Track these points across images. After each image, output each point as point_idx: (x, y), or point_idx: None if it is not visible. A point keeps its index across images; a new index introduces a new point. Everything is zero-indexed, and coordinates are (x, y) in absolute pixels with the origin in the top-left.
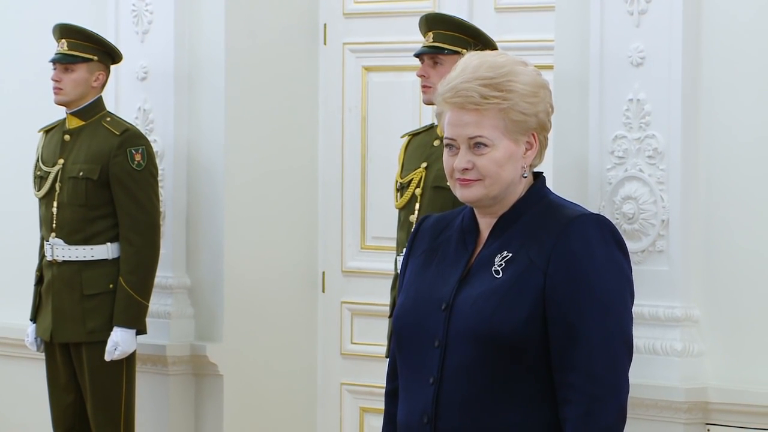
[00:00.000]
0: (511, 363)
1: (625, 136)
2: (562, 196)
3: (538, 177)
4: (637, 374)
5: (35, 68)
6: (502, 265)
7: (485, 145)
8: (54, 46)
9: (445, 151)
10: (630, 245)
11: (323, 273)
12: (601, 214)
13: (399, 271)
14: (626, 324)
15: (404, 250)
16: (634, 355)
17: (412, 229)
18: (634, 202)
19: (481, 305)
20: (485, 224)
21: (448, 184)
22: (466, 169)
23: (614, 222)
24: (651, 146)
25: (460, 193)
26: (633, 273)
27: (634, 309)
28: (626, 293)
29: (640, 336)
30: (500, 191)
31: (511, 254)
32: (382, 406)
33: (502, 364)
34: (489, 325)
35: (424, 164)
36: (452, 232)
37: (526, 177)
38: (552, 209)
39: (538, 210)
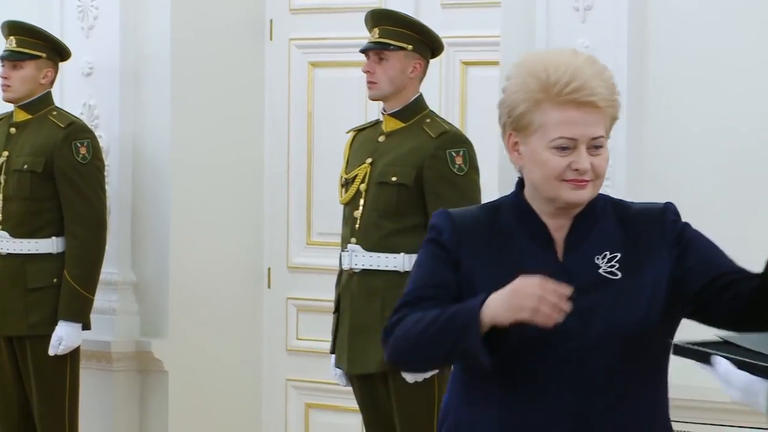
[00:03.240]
0: (654, 359)
1: None
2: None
3: None
4: None
5: None
6: (615, 265)
7: (601, 145)
8: (2, 43)
9: (551, 151)
10: None
11: (269, 269)
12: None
13: (435, 254)
14: None
15: (430, 237)
16: None
17: (445, 223)
18: None
19: (627, 307)
20: (555, 226)
21: (393, 179)
22: (588, 170)
23: None
24: None
25: (573, 195)
26: None
27: None
28: None
29: None
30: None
31: (619, 254)
32: (327, 402)
33: (647, 362)
34: (631, 327)
35: (369, 160)
36: (510, 233)
37: None
38: (623, 206)
39: (610, 209)
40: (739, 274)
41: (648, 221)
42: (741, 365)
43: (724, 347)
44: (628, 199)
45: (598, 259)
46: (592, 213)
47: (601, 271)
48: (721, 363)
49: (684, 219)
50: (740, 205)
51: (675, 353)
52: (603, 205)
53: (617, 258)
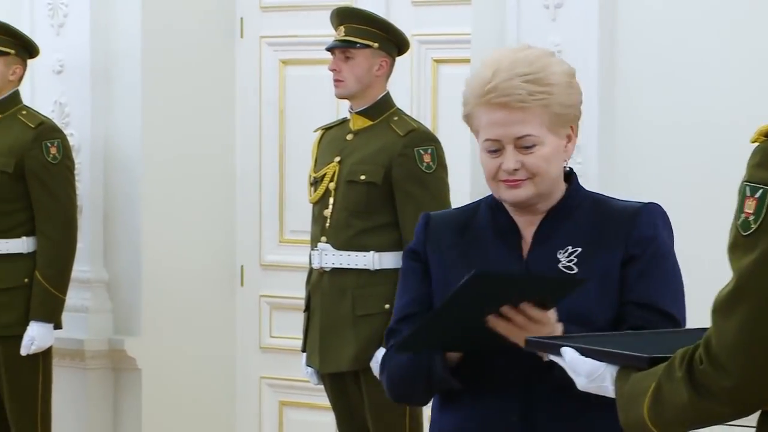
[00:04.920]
0: None
1: None
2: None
3: (571, 171)
4: None
5: None
6: (573, 260)
7: (533, 144)
8: None
9: (485, 153)
10: None
11: (242, 267)
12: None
13: (410, 268)
14: (684, 305)
15: (407, 247)
16: None
17: (419, 227)
18: None
19: (570, 302)
20: (525, 222)
21: (361, 178)
22: (516, 169)
23: None
24: None
25: (509, 194)
26: None
27: None
28: (681, 278)
29: None
30: (548, 188)
31: (580, 249)
32: (301, 399)
33: None
34: (581, 322)
35: (338, 158)
36: (481, 230)
37: (567, 170)
38: (602, 203)
39: (587, 205)
40: (641, 319)
41: (620, 218)
42: (585, 352)
43: (572, 340)
44: None
45: (560, 254)
46: (563, 209)
47: (560, 265)
48: (567, 352)
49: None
50: (710, 202)
51: (526, 347)
52: (579, 201)
53: (577, 252)
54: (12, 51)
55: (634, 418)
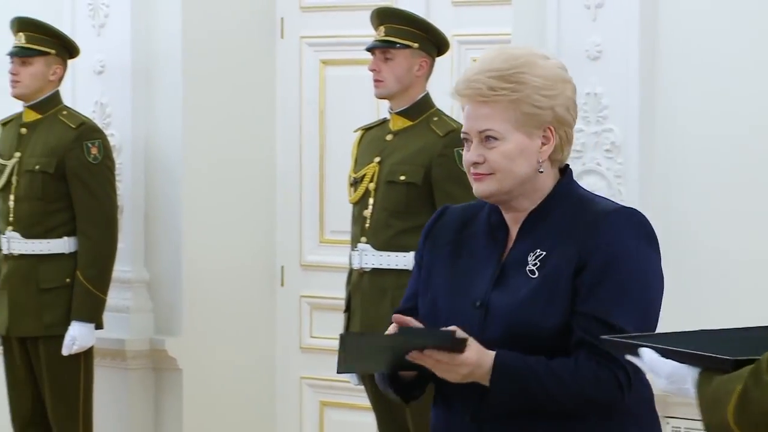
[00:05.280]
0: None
1: (582, 129)
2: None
3: (565, 172)
4: None
5: None
6: (536, 264)
7: (495, 138)
8: (11, 39)
9: (464, 145)
10: None
11: (282, 267)
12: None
13: (415, 260)
14: (652, 319)
15: (419, 240)
16: None
17: (430, 219)
18: None
19: (518, 306)
20: (512, 220)
21: (401, 178)
22: (477, 162)
23: None
24: (608, 140)
25: (474, 188)
26: None
27: None
28: (653, 289)
29: None
30: (513, 186)
31: (545, 252)
32: (341, 399)
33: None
34: (527, 327)
35: (377, 159)
36: (478, 226)
37: (542, 172)
38: (583, 204)
39: (568, 206)
40: (586, 332)
41: (587, 222)
42: (666, 353)
43: (649, 339)
44: (639, 199)
45: (530, 256)
46: (543, 210)
47: (527, 269)
48: (646, 353)
49: (694, 218)
50: (750, 204)
51: (603, 347)
52: (562, 202)
53: (541, 257)
54: (52, 51)
55: (718, 421)
